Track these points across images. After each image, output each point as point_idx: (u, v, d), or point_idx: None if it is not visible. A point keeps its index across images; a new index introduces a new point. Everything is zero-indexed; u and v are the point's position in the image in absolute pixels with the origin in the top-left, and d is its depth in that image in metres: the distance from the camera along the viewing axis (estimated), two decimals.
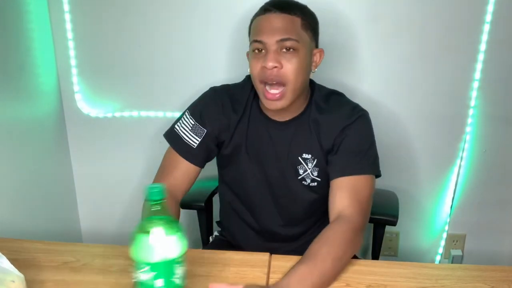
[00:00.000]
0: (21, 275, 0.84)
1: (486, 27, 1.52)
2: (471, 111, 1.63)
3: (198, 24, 1.60)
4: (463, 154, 1.68)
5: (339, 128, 1.10)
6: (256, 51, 1.05)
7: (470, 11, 1.52)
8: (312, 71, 1.11)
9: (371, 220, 1.29)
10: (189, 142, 1.14)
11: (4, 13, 1.42)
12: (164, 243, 0.73)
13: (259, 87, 1.07)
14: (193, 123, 1.15)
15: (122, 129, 1.77)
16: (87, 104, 1.75)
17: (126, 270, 1.00)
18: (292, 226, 1.24)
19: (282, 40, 1.01)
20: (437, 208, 1.78)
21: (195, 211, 1.50)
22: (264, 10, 1.05)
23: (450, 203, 1.75)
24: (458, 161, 1.70)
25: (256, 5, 1.11)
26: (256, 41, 1.04)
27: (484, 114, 1.64)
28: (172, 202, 1.08)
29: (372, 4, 1.54)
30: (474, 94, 1.61)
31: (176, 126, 1.17)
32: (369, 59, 1.60)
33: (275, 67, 1.02)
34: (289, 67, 1.02)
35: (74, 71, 1.71)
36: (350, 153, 1.08)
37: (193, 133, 1.14)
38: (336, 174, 1.07)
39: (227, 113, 1.16)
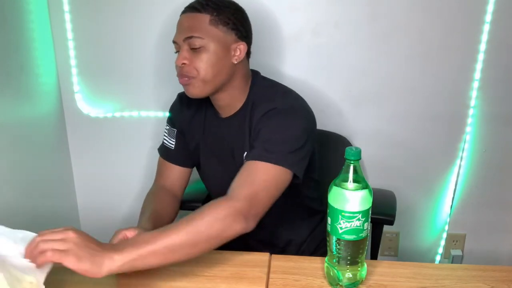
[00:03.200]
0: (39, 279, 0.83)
1: (486, 27, 1.52)
2: (471, 111, 1.63)
3: None
4: (463, 154, 1.68)
5: (260, 114, 1.09)
6: (176, 52, 1.12)
7: (470, 11, 1.52)
8: (234, 62, 1.11)
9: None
10: (168, 146, 1.27)
11: (4, 13, 1.42)
12: (366, 194, 0.88)
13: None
14: (168, 128, 1.29)
15: (122, 129, 1.77)
16: (87, 104, 1.76)
17: None
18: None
19: (187, 38, 1.07)
20: (437, 208, 1.78)
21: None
22: (182, 12, 1.12)
23: (450, 203, 1.75)
24: (458, 161, 1.70)
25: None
26: (173, 42, 1.12)
27: (484, 114, 1.64)
28: (169, 198, 1.24)
29: (372, 4, 1.54)
30: (474, 94, 1.61)
31: (163, 138, 1.30)
32: (369, 59, 1.60)
33: (183, 63, 1.08)
34: (196, 62, 1.07)
35: (74, 71, 1.71)
36: (260, 141, 1.06)
37: (170, 137, 1.28)
38: (246, 158, 1.06)
39: (183, 109, 1.26)
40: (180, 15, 1.12)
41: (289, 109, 1.08)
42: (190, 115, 1.24)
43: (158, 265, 0.86)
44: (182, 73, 1.09)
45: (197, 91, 1.10)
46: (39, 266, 0.82)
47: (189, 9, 1.10)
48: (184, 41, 1.07)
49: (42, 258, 0.79)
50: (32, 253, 0.81)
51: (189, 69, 1.08)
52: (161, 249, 0.85)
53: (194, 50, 1.07)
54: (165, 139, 1.28)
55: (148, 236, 0.86)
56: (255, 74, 1.20)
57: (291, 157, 1.03)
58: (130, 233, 0.99)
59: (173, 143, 1.26)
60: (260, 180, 0.99)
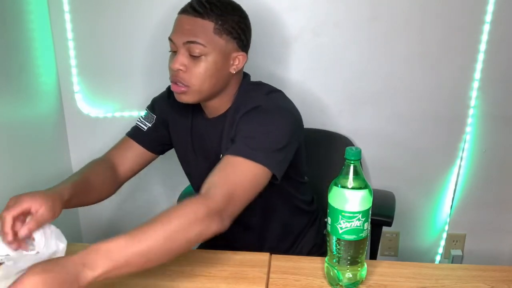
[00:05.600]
0: None
1: (486, 27, 1.52)
2: (471, 111, 1.63)
3: None
4: (463, 154, 1.68)
5: (243, 112, 1.05)
6: (172, 51, 1.07)
7: (470, 11, 1.52)
8: (232, 72, 1.07)
9: None
10: (140, 127, 1.23)
11: (4, 13, 1.42)
12: (366, 194, 0.89)
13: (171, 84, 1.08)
14: (145, 112, 1.24)
15: (122, 129, 1.76)
16: (87, 104, 1.75)
17: None
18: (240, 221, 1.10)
19: (189, 42, 1.01)
20: (437, 208, 1.78)
21: None
22: (183, 10, 1.05)
23: (450, 203, 1.75)
24: (458, 161, 1.70)
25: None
26: (169, 39, 1.06)
27: (484, 114, 1.64)
28: (111, 174, 1.17)
29: (372, 4, 1.54)
30: (474, 94, 1.61)
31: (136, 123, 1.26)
32: (369, 59, 1.60)
33: (180, 69, 1.02)
34: (194, 71, 1.02)
35: (74, 71, 1.71)
36: (241, 136, 1.02)
37: (145, 120, 1.23)
38: (225, 152, 1.02)
39: (172, 100, 1.16)
40: (180, 14, 1.05)
41: (272, 108, 1.04)
42: (178, 111, 1.20)
43: (134, 273, 0.81)
44: (176, 79, 1.04)
45: (189, 99, 1.06)
46: None
47: (192, 10, 1.02)
48: (184, 44, 1.02)
49: None
50: None
51: (184, 76, 1.03)
52: (137, 258, 0.79)
53: (193, 57, 1.02)
54: (138, 122, 1.24)
55: (122, 243, 0.78)
56: (244, 77, 1.15)
57: (272, 156, 0.99)
58: (35, 206, 0.89)
59: (147, 126, 1.22)
60: (238, 178, 0.96)
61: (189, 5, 1.04)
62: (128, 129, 1.75)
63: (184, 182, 1.66)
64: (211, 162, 1.16)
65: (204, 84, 1.04)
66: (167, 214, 0.85)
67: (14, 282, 0.71)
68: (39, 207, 0.89)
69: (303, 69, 1.63)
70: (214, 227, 0.88)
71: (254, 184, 0.97)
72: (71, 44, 1.67)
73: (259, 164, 0.97)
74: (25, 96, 1.54)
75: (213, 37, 1.02)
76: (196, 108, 1.18)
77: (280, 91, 1.13)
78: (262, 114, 1.03)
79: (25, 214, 0.89)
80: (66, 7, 1.63)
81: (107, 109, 1.75)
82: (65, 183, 1.01)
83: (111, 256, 0.76)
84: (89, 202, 1.11)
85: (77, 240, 1.91)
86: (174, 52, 1.06)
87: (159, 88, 1.69)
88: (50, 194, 0.93)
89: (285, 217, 1.24)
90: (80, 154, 1.83)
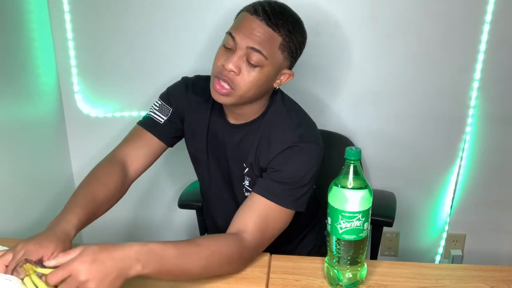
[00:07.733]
0: None
1: (486, 27, 1.52)
2: (471, 111, 1.63)
3: (200, 24, 1.60)
4: (463, 154, 1.68)
5: (279, 150, 1.05)
6: (227, 46, 1.02)
7: (470, 11, 1.52)
8: (274, 87, 1.08)
9: None
10: (156, 119, 1.18)
11: (4, 13, 1.42)
12: (366, 194, 0.89)
13: (212, 78, 1.04)
14: (160, 103, 1.19)
15: (122, 129, 1.76)
16: (87, 104, 1.75)
17: None
18: None
19: (252, 48, 0.98)
20: (437, 208, 1.78)
21: (194, 210, 1.50)
22: (254, 10, 1.00)
23: (450, 203, 1.75)
24: (458, 161, 1.70)
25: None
26: (230, 35, 1.01)
27: (484, 114, 1.64)
28: (117, 168, 1.14)
29: (372, 4, 1.54)
30: (474, 94, 1.61)
31: (147, 112, 1.22)
32: (369, 59, 1.60)
33: (232, 71, 0.99)
34: (246, 78, 1.00)
35: (74, 71, 1.71)
36: (279, 179, 1.03)
37: (160, 112, 1.18)
38: (258, 189, 1.03)
39: (190, 94, 1.17)
40: (250, 14, 1.00)
41: (308, 147, 1.05)
42: (196, 106, 1.17)
43: (167, 280, 0.92)
44: (222, 78, 1.00)
45: (228, 101, 1.03)
46: None
47: (266, 18, 0.98)
48: (247, 48, 0.98)
49: None
50: None
51: (233, 78, 0.99)
52: (178, 271, 0.88)
53: (249, 63, 0.99)
54: (152, 114, 1.19)
55: (174, 254, 0.86)
56: (277, 91, 1.13)
57: (302, 199, 1.05)
58: (47, 255, 0.85)
59: (163, 119, 1.18)
60: (273, 226, 1.02)
61: (262, 9, 0.99)
62: (129, 129, 1.76)
63: (188, 175, 1.66)
64: (221, 164, 1.18)
65: (249, 92, 1.02)
66: (211, 246, 0.93)
67: (66, 265, 0.76)
68: (51, 255, 0.86)
69: (303, 69, 1.63)
70: (241, 269, 1.00)
71: (282, 227, 1.05)
72: (71, 44, 1.67)
73: (291, 210, 1.04)
74: (25, 96, 1.54)
75: (276, 51, 1.00)
76: (216, 107, 1.15)
77: (307, 116, 1.13)
78: (298, 156, 1.04)
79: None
80: (66, 7, 1.63)
81: (107, 109, 1.75)
82: (71, 214, 0.99)
83: (162, 262, 0.84)
84: (97, 217, 1.10)
85: (77, 240, 1.91)
86: (227, 49, 1.02)
87: (159, 88, 1.69)
88: (59, 237, 0.91)
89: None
90: (80, 154, 1.83)
